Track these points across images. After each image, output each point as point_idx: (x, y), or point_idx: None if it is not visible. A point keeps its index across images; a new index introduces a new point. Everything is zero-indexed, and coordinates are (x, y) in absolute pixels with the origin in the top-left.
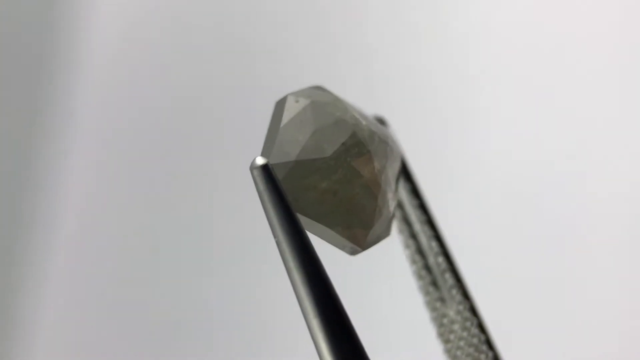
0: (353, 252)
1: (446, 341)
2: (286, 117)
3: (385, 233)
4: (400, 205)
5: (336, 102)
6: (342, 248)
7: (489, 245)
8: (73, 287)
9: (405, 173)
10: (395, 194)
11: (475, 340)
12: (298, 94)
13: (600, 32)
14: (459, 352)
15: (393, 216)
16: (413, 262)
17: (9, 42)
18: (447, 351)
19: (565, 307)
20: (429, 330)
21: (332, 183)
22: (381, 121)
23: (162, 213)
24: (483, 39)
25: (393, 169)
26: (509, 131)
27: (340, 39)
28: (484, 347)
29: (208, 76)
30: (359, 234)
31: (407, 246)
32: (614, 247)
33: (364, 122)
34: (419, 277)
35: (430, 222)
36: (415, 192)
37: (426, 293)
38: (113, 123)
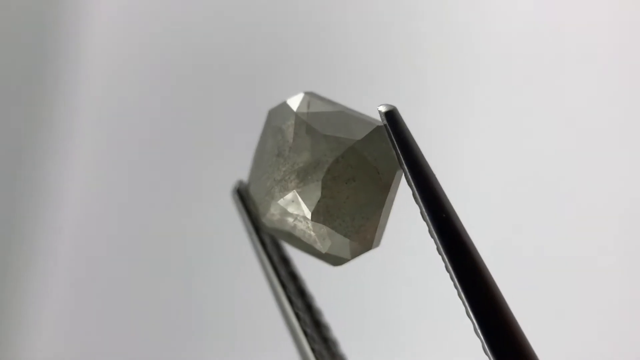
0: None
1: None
2: (261, 135)
3: (351, 253)
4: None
5: (290, 126)
6: None
7: (488, 244)
8: (73, 287)
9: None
10: (370, 206)
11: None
12: (273, 110)
13: (603, 30)
14: None
15: (357, 235)
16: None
17: (8, 42)
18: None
19: (565, 308)
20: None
21: (277, 214)
22: (390, 115)
23: (162, 213)
24: (486, 35)
25: (353, 188)
26: (509, 129)
27: (339, 35)
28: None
29: (209, 76)
30: (319, 257)
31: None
32: (614, 247)
33: (308, 148)
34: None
35: (432, 230)
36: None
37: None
38: (114, 123)
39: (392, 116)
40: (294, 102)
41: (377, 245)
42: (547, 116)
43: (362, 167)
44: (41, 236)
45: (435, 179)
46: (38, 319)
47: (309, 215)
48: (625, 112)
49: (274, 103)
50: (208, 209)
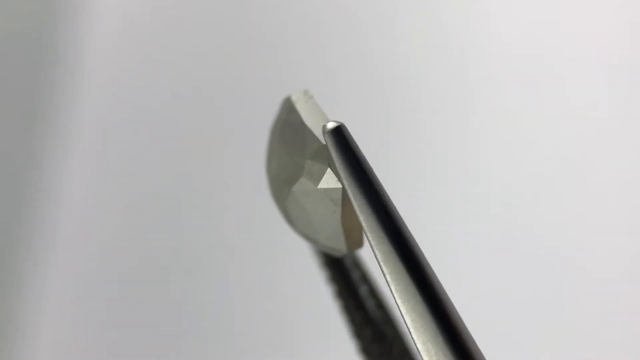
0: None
1: None
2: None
3: (336, 253)
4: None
5: (272, 132)
6: None
7: (485, 247)
8: (74, 287)
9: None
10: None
11: None
12: (285, 103)
13: (602, 30)
14: None
15: (331, 239)
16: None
17: (9, 42)
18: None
19: (564, 310)
20: None
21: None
22: (335, 132)
23: (163, 213)
24: (478, 37)
25: (308, 204)
26: (506, 132)
27: (329, 38)
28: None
29: (210, 75)
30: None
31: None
32: (614, 249)
33: (274, 161)
34: None
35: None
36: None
37: None
38: (114, 122)
39: (337, 133)
40: (285, 105)
41: (362, 245)
42: (548, 116)
43: (311, 183)
44: (40, 236)
45: (383, 195)
46: (37, 320)
47: (286, 222)
48: (625, 112)
49: (272, 99)
50: (210, 208)
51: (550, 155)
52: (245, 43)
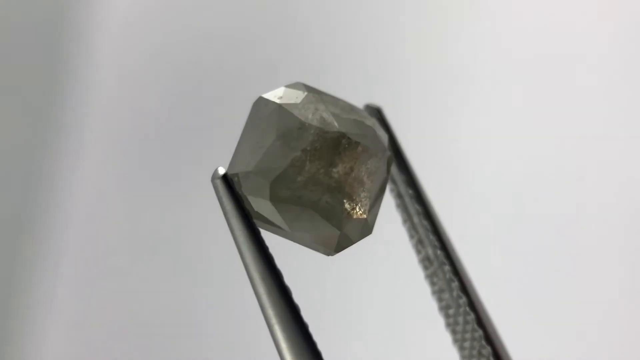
0: (327, 254)
1: (453, 332)
2: (251, 121)
3: (360, 234)
4: (400, 196)
5: (306, 103)
6: (315, 250)
7: (488, 245)
8: (79, 288)
9: (401, 164)
10: (378, 189)
11: (476, 335)
12: (270, 95)
13: (602, 31)
14: (466, 344)
15: (369, 215)
16: (418, 252)
17: (16, 43)
18: (455, 342)
19: (565, 307)
20: (439, 321)
21: (294, 190)
22: (377, 111)
23: (166, 214)
24: (487, 36)
25: (370, 167)
26: (510, 128)
27: (339, 30)
28: (483, 342)
29: (212, 76)
30: (328, 238)
31: (411, 236)
32: (614, 247)
33: (335, 123)
34: (424, 267)
35: (427, 215)
36: (411, 183)
37: (432, 283)
38: (119, 124)
39: (381, 113)
40: (297, 86)
41: (370, 233)
42: (549, 114)
43: (380, 147)
44: (46, 239)
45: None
46: (44, 320)
47: (337, 189)
48: (625, 111)
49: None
50: (212, 207)
51: (549, 156)
52: (245, 43)
